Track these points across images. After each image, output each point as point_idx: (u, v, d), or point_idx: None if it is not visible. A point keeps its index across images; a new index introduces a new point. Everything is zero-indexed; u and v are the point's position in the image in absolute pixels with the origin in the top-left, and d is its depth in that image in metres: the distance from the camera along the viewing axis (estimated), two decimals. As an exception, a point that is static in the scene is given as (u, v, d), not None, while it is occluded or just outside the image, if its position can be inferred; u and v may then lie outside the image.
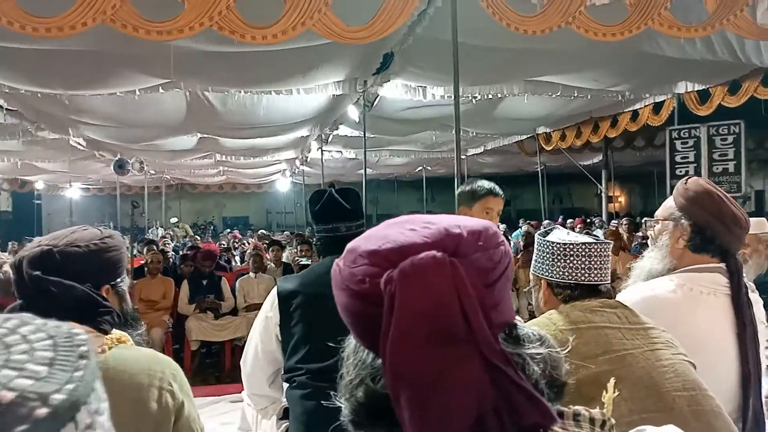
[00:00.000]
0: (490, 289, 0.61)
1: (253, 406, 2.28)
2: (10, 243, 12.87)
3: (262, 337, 2.16)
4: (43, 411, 0.41)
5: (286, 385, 2.13)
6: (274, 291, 2.16)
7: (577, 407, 0.62)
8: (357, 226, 2.23)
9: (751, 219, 3.64)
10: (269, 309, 2.15)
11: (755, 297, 1.72)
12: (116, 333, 1.33)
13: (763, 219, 3.78)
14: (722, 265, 1.66)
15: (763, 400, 1.65)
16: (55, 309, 1.20)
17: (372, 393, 0.62)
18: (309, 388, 2.02)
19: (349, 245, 0.68)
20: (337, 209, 2.20)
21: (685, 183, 1.75)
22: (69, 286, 1.28)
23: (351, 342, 0.69)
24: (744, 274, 1.70)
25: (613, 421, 0.63)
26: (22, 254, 1.33)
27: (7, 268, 1.88)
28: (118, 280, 1.42)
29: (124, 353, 1.30)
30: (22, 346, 0.46)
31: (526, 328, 0.65)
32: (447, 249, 0.59)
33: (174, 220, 16.10)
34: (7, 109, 7.21)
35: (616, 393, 0.96)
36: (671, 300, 1.63)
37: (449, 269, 0.58)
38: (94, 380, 0.48)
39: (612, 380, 0.94)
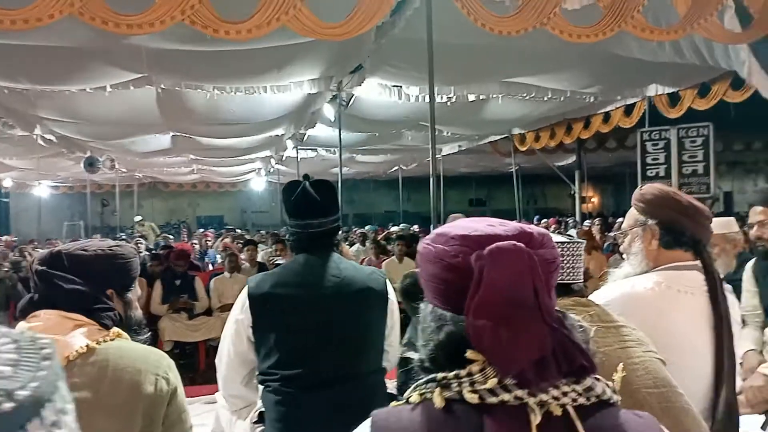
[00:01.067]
0: (550, 276, 0.81)
1: (228, 408, 2.24)
2: (-24, 241, 12.56)
3: (233, 340, 2.09)
4: (8, 405, 0.44)
5: (261, 387, 2.09)
6: (245, 292, 2.07)
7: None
8: (331, 222, 2.13)
9: (719, 219, 3.75)
10: (239, 311, 2.07)
11: (732, 298, 1.75)
12: (117, 330, 1.44)
13: (731, 218, 3.85)
14: (697, 261, 1.70)
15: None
16: (61, 301, 1.39)
17: (451, 334, 0.80)
18: (282, 394, 1.99)
19: (439, 229, 0.87)
20: (310, 204, 2.09)
21: (641, 189, 1.84)
22: (71, 281, 1.41)
23: (427, 305, 0.86)
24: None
25: (619, 396, 0.82)
26: (36, 256, 1.50)
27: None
28: (124, 287, 1.53)
29: (124, 344, 1.42)
30: None
31: (565, 313, 0.84)
32: (522, 241, 0.79)
33: (138, 218, 15.72)
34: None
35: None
36: (648, 297, 1.65)
37: (526, 256, 0.77)
38: (58, 380, 0.51)
39: (621, 364, 1.03)
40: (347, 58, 6.18)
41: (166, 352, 6.11)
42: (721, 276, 2.80)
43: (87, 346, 1.33)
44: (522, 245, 0.78)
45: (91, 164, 11.93)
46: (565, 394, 0.76)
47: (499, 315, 0.74)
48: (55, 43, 4.94)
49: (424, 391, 0.80)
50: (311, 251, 2.10)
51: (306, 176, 2.21)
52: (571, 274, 1.41)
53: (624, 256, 1.89)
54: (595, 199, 24.60)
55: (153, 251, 9.01)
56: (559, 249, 1.41)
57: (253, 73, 6.28)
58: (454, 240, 0.82)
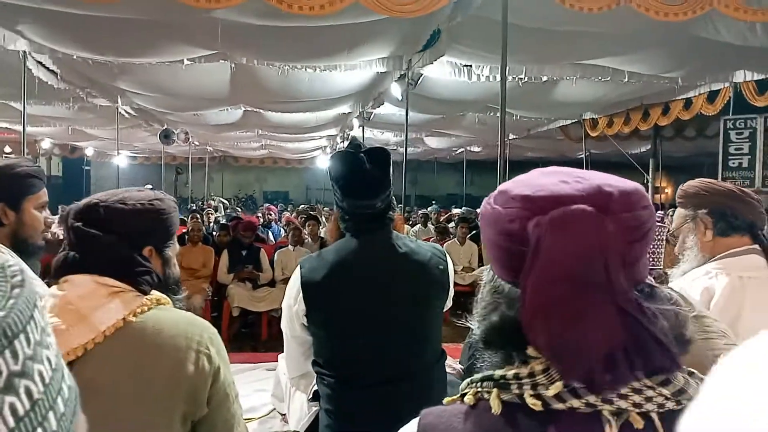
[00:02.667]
0: (632, 246, 0.66)
1: (287, 374, 2.22)
2: (60, 207, 13.33)
3: (288, 324, 2.00)
4: None
5: (315, 375, 2.01)
6: (298, 278, 1.92)
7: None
8: (389, 195, 1.92)
9: None
10: (293, 300, 1.94)
11: None
12: (156, 294, 1.32)
13: None
14: (755, 245, 1.66)
15: None
16: (95, 262, 1.28)
17: (506, 317, 0.70)
18: (340, 392, 1.90)
19: (504, 185, 0.73)
20: (367, 182, 1.85)
21: (681, 188, 1.83)
22: (107, 240, 1.28)
23: (489, 271, 0.76)
24: None
25: None
26: (71, 206, 1.35)
27: (55, 229, 1.92)
28: (163, 243, 1.41)
29: (163, 315, 1.30)
30: None
31: (661, 288, 0.70)
32: (597, 204, 0.65)
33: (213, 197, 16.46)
34: (59, 75, 7.39)
35: None
36: (715, 288, 1.62)
37: (597, 224, 0.63)
38: (32, 310, 0.44)
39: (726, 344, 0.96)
40: (418, 36, 6.11)
41: (232, 318, 6.37)
42: None
43: (123, 319, 1.23)
44: (593, 210, 0.63)
45: (166, 136, 12.39)
46: (649, 399, 0.63)
47: (558, 299, 0.62)
48: (136, 15, 5.11)
49: (479, 390, 0.70)
50: (368, 233, 1.91)
51: (357, 146, 1.93)
52: (651, 259, 1.36)
53: (679, 256, 1.84)
54: (669, 190, 23.54)
55: (221, 222, 9.31)
56: None
57: (325, 51, 6.31)
58: (514, 201, 0.69)
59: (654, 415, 0.63)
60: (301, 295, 1.89)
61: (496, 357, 0.73)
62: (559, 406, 0.63)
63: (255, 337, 6.55)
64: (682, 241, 1.79)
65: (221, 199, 17.11)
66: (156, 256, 1.39)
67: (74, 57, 6.48)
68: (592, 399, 0.63)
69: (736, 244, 1.68)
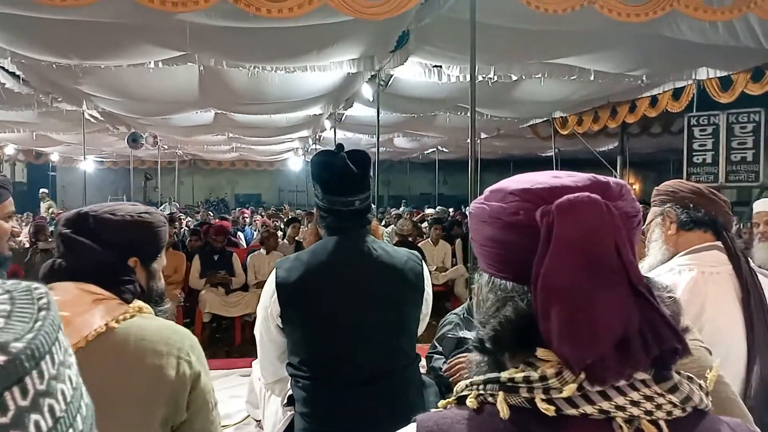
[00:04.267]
0: (632, 232, 0.68)
1: (263, 379, 2.21)
2: (24, 214, 13.02)
3: (263, 325, 2.00)
4: (1, 359, 0.41)
5: (290, 378, 2.01)
6: (273, 279, 1.93)
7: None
8: (368, 197, 1.98)
9: (761, 200, 3.66)
10: (268, 300, 1.95)
11: (765, 280, 1.73)
12: (138, 303, 1.36)
13: None
14: (718, 242, 1.72)
15: None
16: (81, 270, 1.32)
17: (519, 309, 0.67)
18: (314, 394, 1.91)
19: (493, 186, 0.74)
20: (349, 180, 1.90)
21: (656, 188, 1.93)
22: (94, 249, 1.33)
23: (483, 276, 0.74)
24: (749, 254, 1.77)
25: (710, 397, 0.70)
26: (62, 215, 1.42)
27: (21, 238, 1.90)
28: (149, 256, 1.45)
29: (145, 322, 1.33)
30: None
31: (655, 277, 0.72)
32: (595, 193, 0.66)
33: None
34: (22, 79, 7.21)
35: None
36: (678, 283, 1.67)
37: (604, 208, 0.64)
38: (57, 332, 0.47)
39: (717, 360, 0.94)
40: (388, 38, 6.13)
41: (204, 323, 6.31)
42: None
43: (106, 325, 1.25)
44: (597, 197, 0.65)
45: (134, 140, 12.19)
46: (659, 406, 0.63)
47: (573, 283, 0.62)
48: (101, 18, 5.02)
49: (482, 393, 0.66)
50: (346, 232, 1.95)
51: (340, 146, 2.00)
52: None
53: (644, 250, 1.90)
54: (637, 186, 24.01)
55: (193, 227, 9.19)
56: None
57: (295, 52, 6.28)
58: (514, 195, 0.69)
59: (662, 423, 0.63)
60: (275, 295, 1.90)
61: (486, 363, 0.71)
62: (572, 411, 0.62)
63: (229, 342, 6.49)
64: (648, 235, 1.84)
65: (175, 203, 16.68)
66: (141, 267, 1.43)
67: (42, 63, 6.33)
68: (605, 405, 0.62)
69: (699, 240, 1.74)
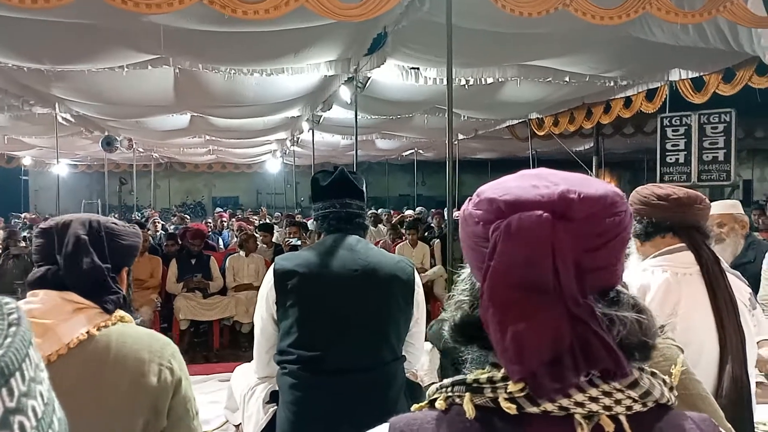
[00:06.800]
0: (590, 254, 0.66)
1: (256, 372, 2.27)
2: (-5, 219, 12.74)
3: (261, 315, 2.13)
4: None
5: (277, 368, 2.10)
6: (272, 269, 2.09)
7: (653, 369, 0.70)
8: (364, 207, 2.20)
9: (726, 201, 3.74)
10: (266, 287, 2.10)
11: (736, 280, 1.79)
12: (119, 312, 1.38)
13: (736, 201, 3.83)
14: (683, 244, 1.75)
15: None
16: (74, 280, 1.32)
17: (467, 317, 0.72)
18: (299, 378, 2.00)
19: (480, 188, 0.75)
20: (348, 185, 2.15)
21: None
22: (94, 265, 1.34)
23: (467, 269, 0.77)
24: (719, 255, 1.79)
25: (675, 392, 0.71)
26: (71, 217, 1.41)
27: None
28: (131, 265, 1.52)
29: (126, 330, 1.35)
30: None
31: (628, 295, 0.71)
32: (556, 211, 0.65)
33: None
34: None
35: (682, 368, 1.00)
36: (651, 284, 1.72)
37: (549, 230, 0.64)
38: (28, 347, 0.47)
39: (681, 356, 0.95)
40: (364, 40, 6.13)
41: (182, 330, 6.24)
42: (731, 258, 2.86)
43: (87, 332, 1.28)
44: (548, 216, 0.64)
45: (108, 144, 12.02)
46: (618, 402, 0.64)
47: (509, 301, 0.64)
48: (73, 19, 4.94)
49: (450, 395, 0.69)
50: (343, 232, 2.12)
51: (335, 167, 2.27)
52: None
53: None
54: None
55: (169, 231, 9.09)
56: None
57: (271, 55, 6.25)
58: (482, 203, 0.71)
59: (623, 418, 0.64)
60: (272, 282, 2.05)
61: (474, 351, 0.75)
62: (533, 409, 0.64)
63: (207, 346, 6.43)
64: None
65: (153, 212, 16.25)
66: (125, 277, 1.48)
67: (9, 65, 6.21)
68: (564, 402, 0.64)
69: (663, 245, 1.77)
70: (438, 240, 8.27)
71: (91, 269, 1.33)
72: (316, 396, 1.99)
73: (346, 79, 7.57)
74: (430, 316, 3.49)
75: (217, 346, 6.37)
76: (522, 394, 0.64)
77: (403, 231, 8.49)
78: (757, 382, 2.06)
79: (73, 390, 1.21)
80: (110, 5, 3.49)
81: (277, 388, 2.12)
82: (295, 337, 2.00)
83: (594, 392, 0.64)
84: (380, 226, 11.10)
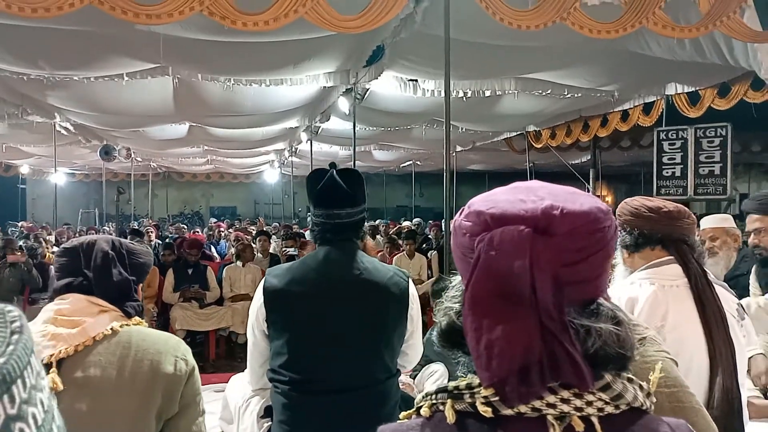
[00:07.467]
0: (569, 268, 0.69)
1: (250, 384, 2.24)
2: (-8, 227, 12.71)
3: (252, 330, 2.07)
4: None
5: (270, 385, 2.06)
6: (262, 286, 2.02)
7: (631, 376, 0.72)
8: (358, 212, 2.05)
9: (717, 215, 3.76)
10: (256, 304, 2.04)
11: (725, 292, 1.80)
12: (137, 318, 1.58)
13: (728, 215, 3.85)
14: (671, 256, 1.76)
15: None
16: (101, 289, 1.52)
17: (452, 324, 0.76)
18: (291, 399, 1.95)
19: (472, 199, 0.78)
20: (338, 193, 2.00)
21: None
22: (122, 276, 1.56)
23: (458, 277, 0.80)
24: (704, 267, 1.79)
25: (653, 398, 0.73)
26: (95, 237, 1.62)
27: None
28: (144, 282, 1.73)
29: (145, 330, 1.55)
30: None
31: (608, 308, 0.73)
32: (538, 226, 0.68)
33: None
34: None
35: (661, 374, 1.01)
36: (639, 297, 1.72)
37: (528, 244, 0.66)
38: (30, 355, 0.47)
39: (659, 363, 0.98)
40: (363, 52, 6.16)
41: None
42: (725, 271, 2.87)
43: (112, 328, 1.46)
44: (529, 230, 0.67)
45: (106, 153, 12.01)
46: (589, 403, 0.67)
47: (486, 310, 0.67)
48: (73, 27, 4.96)
49: (434, 402, 0.73)
50: (335, 244, 2.02)
51: (332, 164, 2.12)
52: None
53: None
54: (609, 198, 24.40)
55: (166, 241, 9.07)
56: None
57: (271, 66, 6.28)
58: (471, 215, 0.74)
59: (594, 419, 0.67)
60: (262, 300, 1.99)
61: (459, 357, 0.78)
62: (508, 411, 0.67)
63: (203, 357, 6.40)
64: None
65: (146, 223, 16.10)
66: (140, 291, 1.67)
67: (7, 73, 6.22)
68: (537, 404, 0.67)
69: (651, 257, 1.78)
70: (435, 251, 8.27)
71: (120, 280, 1.54)
72: (308, 416, 1.95)
73: (344, 90, 7.60)
74: (426, 327, 3.48)
75: (213, 356, 6.34)
76: (496, 398, 0.67)
77: (401, 242, 8.49)
78: (748, 397, 2.06)
79: (97, 376, 1.40)
80: (110, 15, 3.52)
81: (270, 403, 2.08)
82: (285, 358, 1.95)
83: (565, 394, 0.67)
84: (378, 237, 11.10)
